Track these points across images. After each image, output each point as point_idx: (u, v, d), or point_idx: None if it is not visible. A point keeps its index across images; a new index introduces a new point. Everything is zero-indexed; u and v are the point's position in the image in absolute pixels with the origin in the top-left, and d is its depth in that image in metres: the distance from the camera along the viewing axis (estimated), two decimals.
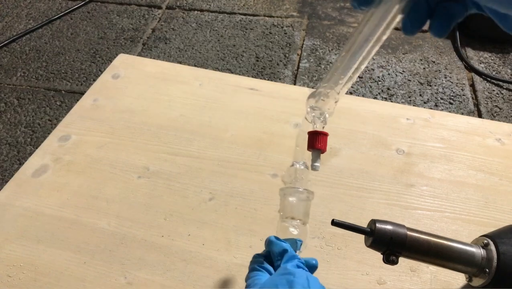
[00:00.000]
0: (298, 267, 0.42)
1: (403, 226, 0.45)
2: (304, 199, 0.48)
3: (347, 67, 0.42)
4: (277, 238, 0.45)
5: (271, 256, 0.45)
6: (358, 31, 0.39)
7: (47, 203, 0.70)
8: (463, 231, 0.65)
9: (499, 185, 0.71)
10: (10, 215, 0.68)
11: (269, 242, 0.46)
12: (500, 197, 0.69)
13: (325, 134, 0.47)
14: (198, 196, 0.70)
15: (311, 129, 0.47)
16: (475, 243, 0.48)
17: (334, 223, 0.44)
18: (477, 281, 0.46)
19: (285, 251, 0.44)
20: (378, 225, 0.44)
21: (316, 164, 0.47)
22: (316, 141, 0.46)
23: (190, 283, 0.59)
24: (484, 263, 0.45)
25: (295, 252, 0.45)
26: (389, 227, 0.44)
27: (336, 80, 0.44)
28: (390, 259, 0.44)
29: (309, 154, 0.49)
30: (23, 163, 0.77)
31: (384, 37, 0.38)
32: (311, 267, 0.46)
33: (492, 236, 0.47)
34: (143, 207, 0.69)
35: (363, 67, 0.43)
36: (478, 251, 0.46)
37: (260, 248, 0.63)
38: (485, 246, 0.46)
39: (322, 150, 0.47)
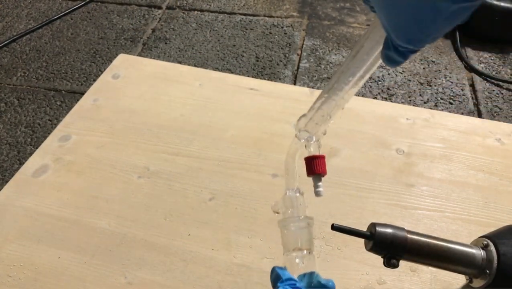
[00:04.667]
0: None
1: (403, 229, 0.45)
2: (305, 227, 0.46)
3: (343, 82, 0.42)
4: (274, 268, 0.43)
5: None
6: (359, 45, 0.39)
7: (47, 203, 0.70)
8: (463, 231, 0.65)
9: (499, 185, 0.71)
10: (10, 215, 0.68)
11: (271, 272, 0.44)
12: (500, 197, 0.69)
13: (322, 157, 0.45)
14: (198, 196, 0.70)
15: (306, 154, 0.46)
16: (474, 244, 0.48)
17: (334, 227, 0.44)
18: (477, 282, 0.46)
19: (278, 277, 0.42)
20: (378, 228, 0.44)
21: (319, 189, 0.45)
22: (315, 166, 0.45)
23: (190, 283, 0.59)
24: (484, 265, 0.45)
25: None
26: (389, 230, 0.44)
27: (330, 101, 0.44)
28: (390, 262, 0.44)
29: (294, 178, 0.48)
30: (23, 163, 0.77)
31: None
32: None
33: (491, 237, 0.47)
34: (143, 207, 0.69)
35: (360, 83, 0.43)
36: (478, 253, 0.45)
37: (260, 248, 0.63)
38: (485, 247, 0.46)
39: (323, 174, 0.45)
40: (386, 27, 0.34)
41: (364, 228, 0.46)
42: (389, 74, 1.45)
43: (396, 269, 0.44)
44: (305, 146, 0.47)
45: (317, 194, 0.45)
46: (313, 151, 0.46)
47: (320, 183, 0.45)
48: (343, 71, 0.42)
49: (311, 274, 0.44)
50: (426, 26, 0.32)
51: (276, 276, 0.42)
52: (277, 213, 0.51)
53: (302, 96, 0.87)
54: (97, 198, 0.70)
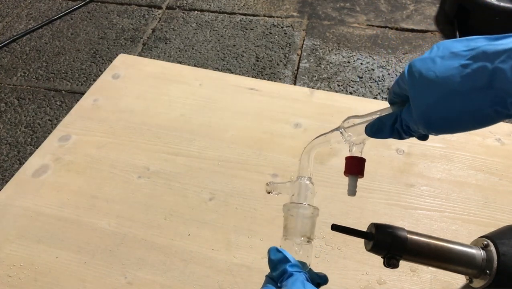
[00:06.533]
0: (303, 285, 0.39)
1: (403, 229, 0.45)
2: (309, 216, 0.47)
3: None
4: (278, 249, 0.43)
5: (270, 267, 0.43)
6: None
7: (47, 203, 0.70)
8: (463, 231, 0.65)
9: (499, 185, 0.71)
10: (10, 215, 0.68)
11: (268, 251, 0.43)
12: (500, 197, 0.69)
13: (363, 160, 0.47)
14: (198, 196, 0.70)
15: (348, 155, 0.47)
16: (474, 244, 0.48)
17: (334, 227, 0.44)
18: (477, 283, 0.46)
19: (285, 260, 0.41)
20: (378, 228, 0.44)
21: (354, 189, 0.47)
22: (355, 167, 0.47)
23: (190, 283, 0.59)
24: (484, 265, 0.45)
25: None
26: (389, 230, 0.44)
27: None
28: (390, 262, 0.44)
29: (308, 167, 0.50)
30: (24, 163, 0.77)
31: None
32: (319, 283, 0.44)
33: (491, 237, 0.47)
34: (143, 207, 0.69)
35: None
36: (479, 253, 0.45)
37: (260, 248, 0.63)
38: (485, 247, 0.46)
39: (360, 176, 0.47)
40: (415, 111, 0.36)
41: (364, 228, 0.46)
42: (389, 74, 1.46)
43: (396, 269, 0.44)
44: (349, 146, 0.48)
45: (351, 193, 0.47)
46: (355, 152, 0.47)
47: (356, 184, 0.47)
48: None
49: (304, 264, 0.44)
50: (459, 124, 0.34)
51: (282, 258, 0.41)
52: (269, 192, 0.52)
53: (302, 96, 0.87)
54: (97, 198, 0.70)
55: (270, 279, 0.42)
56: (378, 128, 0.42)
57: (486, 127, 0.34)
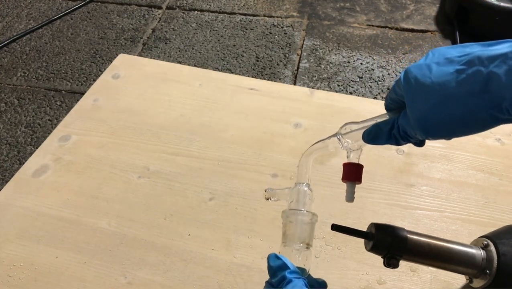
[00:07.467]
0: None
1: (403, 229, 0.45)
2: (309, 222, 0.47)
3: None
4: (277, 255, 0.43)
5: (269, 274, 0.43)
6: None
7: (47, 203, 0.70)
8: (463, 231, 0.65)
9: (499, 185, 0.71)
10: (10, 215, 0.68)
11: (268, 258, 0.43)
12: (500, 197, 0.69)
13: (361, 166, 0.47)
14: (198, 196, 0.70)
15: (345, 160, 0.48)
16: (474, 244, 0.48)
17: (334, 227, 0.44)
18: (477, 283, 0.46)
19: (284, 266, 0.41)
20: (378, 228, 0.44)
21: (352, 195, 0.47)
22: (353, 174, 0.47)
23: (190, 283, 0.59)
24: (484, 265, 0.45)
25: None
26: (389, 230, 0.44)
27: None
28: (390, 262, 0.44)
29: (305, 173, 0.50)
30: (23, 163, 0.77)
31: None
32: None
33: (491, 237, 0.47)
34: (143, 207, 0.69)
35: None
36: (478, 253, 0.45)
37: (260, 248, 0.63)
38: (485, 247, 0.46)
39: (358, 182, 0.47)
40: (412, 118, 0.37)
41: (364, 228, 0.46)
42: (389, 74, 1.45)
43: (396, 269, 0.44)
44: (346, 152, 0.48)
45: (349, 199, 0.47)
46: (352, 158, 0.47)
47: (354, 190, 0.47)
48: None
49: (303, 270, 0.44)
50: (458, 129, 0.35)
51: (281, 265, 0.41)
52: (268, 199, 0.53)
53: (302, 96, 0.87)
54: (97, 198, 0.70)
55: (269, 285, 0.42)
56: (375, 135, 0.43)
57: (482, 132, 0.34)
